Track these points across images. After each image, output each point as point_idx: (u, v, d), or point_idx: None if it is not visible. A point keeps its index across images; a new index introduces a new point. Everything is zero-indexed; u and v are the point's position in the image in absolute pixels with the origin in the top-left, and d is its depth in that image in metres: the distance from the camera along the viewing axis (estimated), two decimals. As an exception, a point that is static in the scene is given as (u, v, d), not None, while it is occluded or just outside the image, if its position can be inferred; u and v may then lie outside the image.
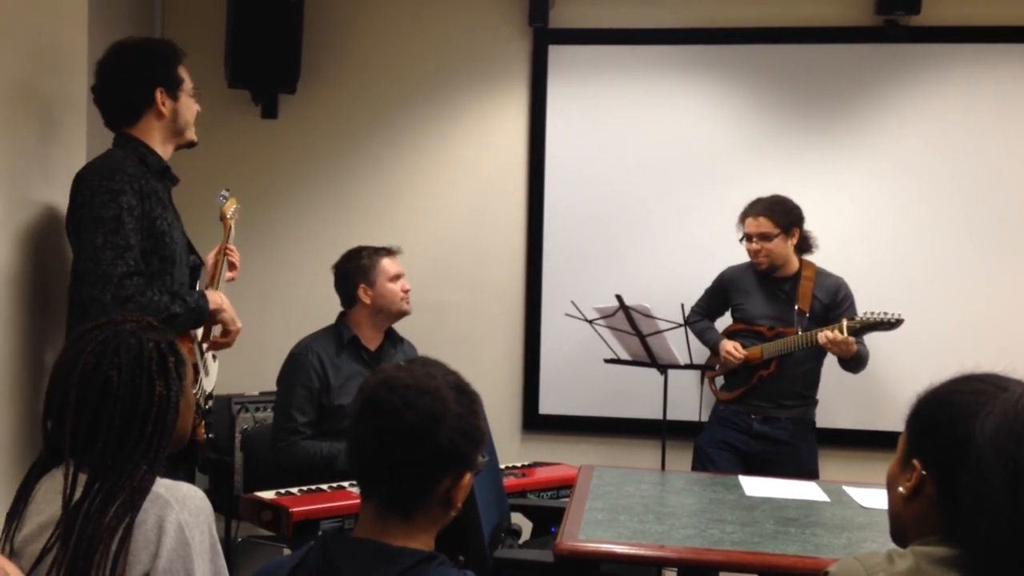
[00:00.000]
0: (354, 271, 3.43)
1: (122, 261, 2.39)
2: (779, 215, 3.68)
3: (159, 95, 2.59)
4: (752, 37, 4.31)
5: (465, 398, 1.45)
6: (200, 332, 2.63)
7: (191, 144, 2.72)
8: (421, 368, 1.45)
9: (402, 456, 1.39)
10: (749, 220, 3.72)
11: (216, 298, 2.60)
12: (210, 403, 2.75)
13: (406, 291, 3.46)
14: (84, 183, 2.47)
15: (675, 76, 4.37)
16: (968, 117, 4.19)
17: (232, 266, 2.95)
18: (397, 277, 3.45)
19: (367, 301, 3.42)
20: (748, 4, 4.32)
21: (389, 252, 3.49)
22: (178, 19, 4.55)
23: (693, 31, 4.34)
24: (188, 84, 2.67)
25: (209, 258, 2.90)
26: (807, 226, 3.76)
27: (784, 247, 3.70)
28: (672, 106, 4.36)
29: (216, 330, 2.70)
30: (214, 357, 2.86)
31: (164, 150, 2.64)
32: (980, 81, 4.18)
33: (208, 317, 2.57)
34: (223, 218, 2.96)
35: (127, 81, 2.58)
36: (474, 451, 1.44)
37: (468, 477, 1.45)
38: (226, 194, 3.00)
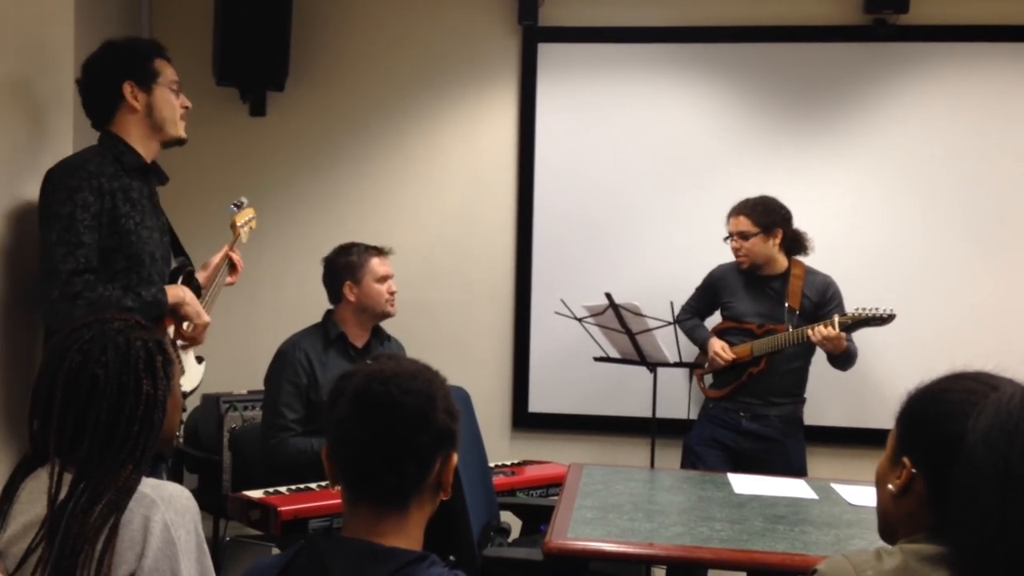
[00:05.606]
0: (342, 267, 3.43)
1: (72, 258, 2.37)
2: (759, 214, 3.69)
3: (128, 88, 2.55)
4: (740, 36, 4.31)
5: (439, 377, 1.47)
6: (172, 329, 2.59)
7: (179, 141, 2.66)
8: (391, 360, 1.46)
9: (405, 446, 1.38)
10: (732, 219, 3.76)
11: (177, 292, 2.55)
12: (184, 401, 2.72)
13: (392, 293, 3.46)
14: (48, 180, 2.46)
15: (664, 74, 4.36)
16: (957, 115, 4.20)
17: (233, 269, 2.93)
18: (385, 279, 3.44)
19: (352, 299, 3.41)
20: (737, 3, 4.32)
21: (380, 252, 3.48)
22: (166, 16, 4.52)
23: (682, 29, 4.35)
24: (167, 78, 2.60)
25: (213, 260, 2.89)
26: (801, 227, 3.77)
27: (764, 246, 3.71)
28: (661, 104, 4.36)
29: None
30: (199, 359, 2.83)
31: (146, 147, 2.59)
32: (969, 79, 4.20)
33: (167, 312, 2.51)
34: (232, 226, 2.95)
35: (97, 77, 2.56)
36: (458, 427, 1.46)
37: (455, 456, 1.45)
38: (242, 202, 2.98)
